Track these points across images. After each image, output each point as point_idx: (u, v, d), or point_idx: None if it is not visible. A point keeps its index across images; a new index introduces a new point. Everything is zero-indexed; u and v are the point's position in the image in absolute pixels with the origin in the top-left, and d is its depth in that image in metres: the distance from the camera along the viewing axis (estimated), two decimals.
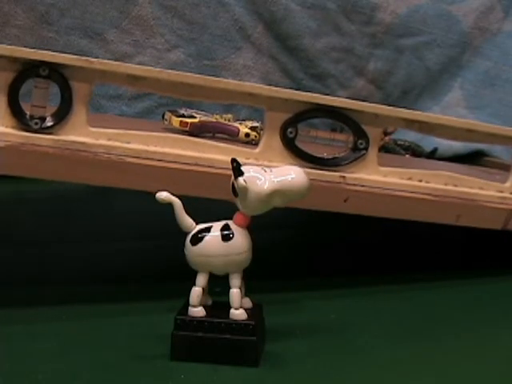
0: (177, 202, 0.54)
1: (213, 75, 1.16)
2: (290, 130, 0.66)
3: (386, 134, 1.01)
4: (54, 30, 1.11)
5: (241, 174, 0.52)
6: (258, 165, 0.56)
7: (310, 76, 1.24)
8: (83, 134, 0.62)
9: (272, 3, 1.19)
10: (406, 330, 0.63)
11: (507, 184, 0.75)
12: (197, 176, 0.63)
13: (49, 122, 0.61)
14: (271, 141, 0.66)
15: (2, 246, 0.78)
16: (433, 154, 1.15)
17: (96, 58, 0.96)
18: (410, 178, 0.71)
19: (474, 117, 1.29)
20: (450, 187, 0.72)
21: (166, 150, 0.63)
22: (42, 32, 1.10)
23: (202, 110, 0.87)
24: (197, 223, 0.54)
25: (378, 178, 0.69)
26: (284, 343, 0.57)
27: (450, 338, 0.62)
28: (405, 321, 0.65)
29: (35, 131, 0.60)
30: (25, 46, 1.06)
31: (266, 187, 0.52)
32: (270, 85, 1.19)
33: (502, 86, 1.32)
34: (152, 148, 0.63)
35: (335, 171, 0.68)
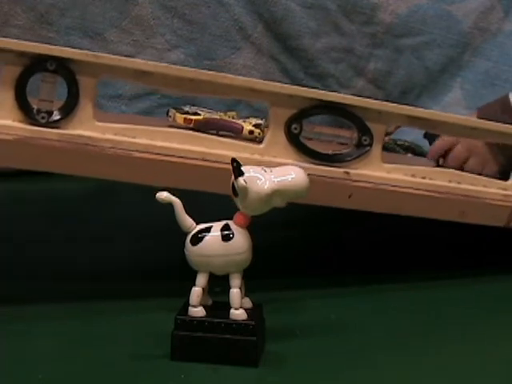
0: (177, 202, 0.54)
1: None
2: (294, 126, 0.66)
3: (385, 134, 1.01)
4: (54, 30, 1.11)
5: (241, 174, 0.52)
6: (258, 164, 0.56)
7: (310, 76, 1.23)
8: (90, 128, 0.62)
9: (272, 3, 1.19)
10: (405, 330, 0.63)
11: (510, 181, 0.75)
12: (203, 171, 0.63)
13: (56, 116, 0.61)
14: (276, 137, 0.66)
15: (2, 245, 0.77)
16: None
17: None
18: (413, 175, 0.71)
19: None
20: (453, 184, 0.72)
21: (173, 145, 0.63)
22: (41, 32, 1.10)
23: (205, 107, 0.87)
24: (197, 223, 0.54)
25: (382, 174, 0.69)
26: (284, 343, 0.57)
27: (449, 337, 0.62)
28: (404, 321, 0.65)
29: (42, 125, 0.61)
30: None
31: (266, 187, 0.52)
32: None
33: (501, 86, 1.32)
34: (158, 143, 0.63)
35: (339, 167, 0.68)
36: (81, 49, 1.11)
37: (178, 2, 1.16)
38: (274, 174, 0.53)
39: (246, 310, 0.54)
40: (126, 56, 1.14)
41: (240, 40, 1.20)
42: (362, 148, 0.68)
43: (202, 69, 1.17)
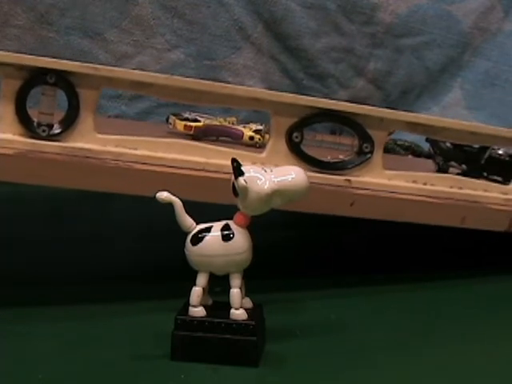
0: (177, 201, 0.54)
1: (213, 75, 1.18)
2: (295, 134, 0.66)
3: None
4: (54, 30, 1.11)
5: (241, 173, 0.52)
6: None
7: (309, 76, 1.24)
8: (91, 140, 0.62)
9: (272, 3, 1.19)
10: (405, 330, 0.63)
11: (511, 186, 0.75)
12: (205, 181, 0.63)
13: (56, 129, 0.61)
14: (277, 145, 0.66)
15: (2, 245, 0.77)
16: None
17: (96, 58, 0.96)
18: (414, 181, 0.71)
19: (474, 117, 1.29)
20: (454, 190, 0.72)
21: (174, 155, 0.63)
22: (41, 32, 1.10)
23: (198, 112, 0.87)
24: (197, 223, 0.54)
25: (384, 181, 0.69)
26: (284, 343, 0.57)
27: (450, 337, 0.62)
28: (405, 321, 0.65)
29: (43, 138, 0.61)
30: (25, 46, 1.06)
31: (266, 187, 0.52)
32: (270, 85, 1.20)
33: (501, 86, 1.33)
34: (159, 154, 0.63)
35: (341, 175, 0.68)
36: (81, 49, 1.12)
37: (178, 1, 1.16)
38: (274, 173, 0.53)
39: (246, 310, 0.54)
40: (125, 56, 1.15)
41: (240, 40, 1.20)
42: (363, 155, 0.68)
43: (202, 69, 1.18)
